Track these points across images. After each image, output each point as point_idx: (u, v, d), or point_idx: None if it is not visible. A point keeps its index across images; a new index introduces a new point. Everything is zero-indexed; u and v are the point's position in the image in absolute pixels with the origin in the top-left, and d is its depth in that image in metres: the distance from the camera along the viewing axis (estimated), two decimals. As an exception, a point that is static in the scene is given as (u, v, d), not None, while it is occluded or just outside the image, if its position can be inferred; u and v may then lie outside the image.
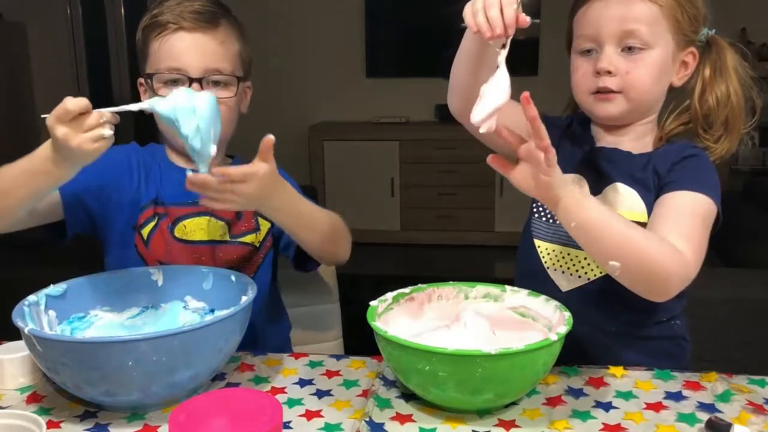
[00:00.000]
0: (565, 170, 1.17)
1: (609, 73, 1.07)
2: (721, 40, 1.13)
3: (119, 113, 0.93)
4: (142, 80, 1.24)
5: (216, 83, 1.19)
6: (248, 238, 1.25)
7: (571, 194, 0.95)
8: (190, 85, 1.16)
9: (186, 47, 1.17)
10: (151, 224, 1.20)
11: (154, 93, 1.19)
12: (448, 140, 4.28)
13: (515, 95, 0.95)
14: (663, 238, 0.97)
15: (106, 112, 0.91)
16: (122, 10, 4.61)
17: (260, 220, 1.26)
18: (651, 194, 1.09)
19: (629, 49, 1.06)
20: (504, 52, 0.91)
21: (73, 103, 0.89)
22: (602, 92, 1.09)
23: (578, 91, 1.13)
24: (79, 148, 0.89)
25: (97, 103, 0.95)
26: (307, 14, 4.73)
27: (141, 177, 1.23)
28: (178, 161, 1.26)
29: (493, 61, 0.93)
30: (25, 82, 4.39)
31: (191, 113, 0.96)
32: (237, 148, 1.33)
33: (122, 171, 1.22)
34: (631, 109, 1.09)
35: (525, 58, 4.53)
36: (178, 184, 1.22)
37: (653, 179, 1.09)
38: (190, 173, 0.98)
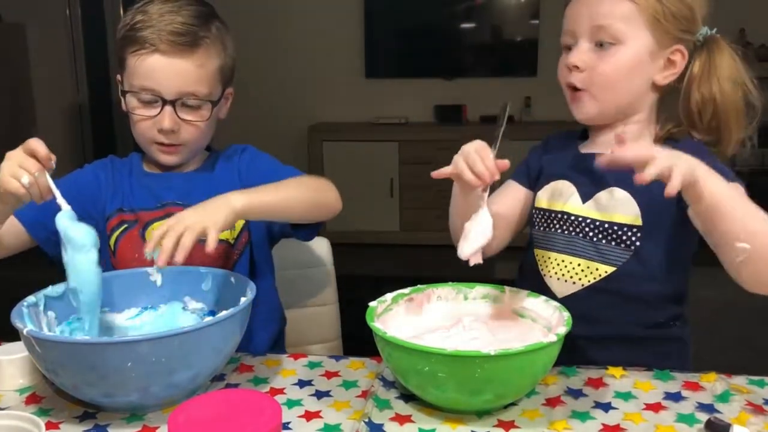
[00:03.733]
0: (551, 178, 1.18)
1: (576, 68, 1.09)
2: (720, 40, 1.11)
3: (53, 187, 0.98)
4: (119, 78, 1.23)
5: (189, 106, 1.18)
6: (224, 235, 1.23)
7: (703, 167, 0.90)
8: (163, 106, 1.16)
9: (161, 70, 1.15)
10: (117, 232, 1.21)
11: (129, 109, 1.20)
12: (448, 141, 4.24)
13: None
14: None
15: (48, 179, 0.97)
16: (122, 11, 4.62)
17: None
18: (649, 195, 1.07)
19: (599, 45, 1.08)
20: (486, 195, 1.02)
21: (39, 145, 0.96)
22: (573, 91, 1.11)
23: (562, 86, 1.15)
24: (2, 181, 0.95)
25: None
26: (306, 14, 4.73)
27: (108, 191, 1.24)
28: (150, 168, 1.27)
29: (473, 202, 1.04)
30: (25, 83, 4.39)
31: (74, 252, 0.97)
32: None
33: (91, 191, 1.24)
34: (603, 107, 1.10)
35: (524, 59, 4.53)
36: (146, 190, 1.24)
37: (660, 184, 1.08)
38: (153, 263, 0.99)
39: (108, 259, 1.22)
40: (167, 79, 1.15)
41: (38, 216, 1.14)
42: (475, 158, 1.00)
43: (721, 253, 0.96)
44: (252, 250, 1.28)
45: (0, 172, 0.95)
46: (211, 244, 0.97)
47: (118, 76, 1.23)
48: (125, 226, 1.22)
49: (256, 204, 1.06)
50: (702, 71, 1.10)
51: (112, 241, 1.22)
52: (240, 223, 1.25)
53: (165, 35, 1.14)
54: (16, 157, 0.96)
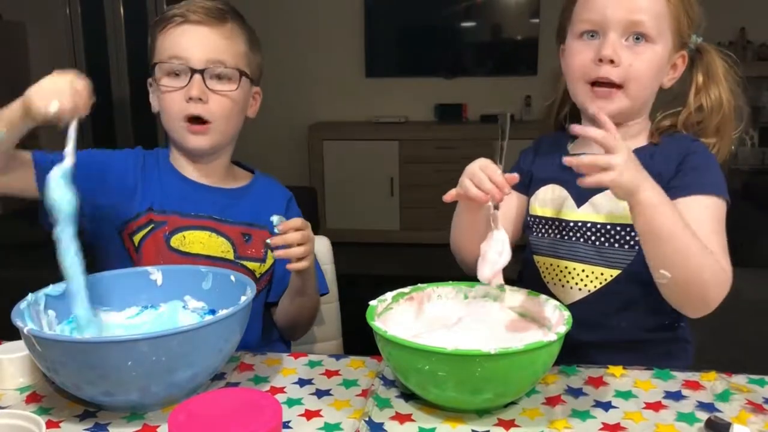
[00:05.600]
0: (542, 183, 1.18)
1: (611, 62, 1.05)
2: (709, 47, 1.13)
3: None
4: (151, 80, 1.24)
5: (219, 76, 1.19)
6: (252, 265, 1.25)
7: (649, 193, 0.92)
8: (192, 75, 1.16)
9: (190, 38, 1.18)
10: (144, 231, 1.20)
11: (157, 86, 1.20)
12: (448, 140, 4.28)
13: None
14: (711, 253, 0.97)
15: (73, 126, 0.98)
16: (122, 10, 4.61)
17: (269, 252, 1.26)
18: None
19: (636, 39, 1.05)
20: (498, 213, 1.00)
21: (84, 89, 0.98)
22: (601, 86, 1.07)
23: (575, 78, 1.10)
24: (34, 94, 0.96)
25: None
26: (307, 14, 4.73)
27: (138, 184, 1.22)
28: (183, 169, 1.26)
29: (482, 220, 1.03)
30: (25, 82, 4.38)
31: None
32: (237, 148, 1.33)
33: (117, 176, 1.21)
34: (630, 106, 1.08)
35: (525, 58, 4.53)
36: (184, 196, 1.23)
37: (656, 177, 1.08)
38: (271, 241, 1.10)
39: (127, 259, 1.20)
40: (195, 45, 1.17)
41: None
42: (482, 177, 0.97)
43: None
44: (269, 291, 1.31)
45: (38, 86, 0.96)
46: (298, 267, 1.14)
47: (149, 79, 1.24)
48: (152, 226, 1.20)
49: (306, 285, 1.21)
50: (704, 79, 1.12)
51: (137, 240, 1.20)
52: (271, 261, 1.27)
53: (195, 8, 1.18)
54: (59, 81, 0.96)
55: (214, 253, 1.22)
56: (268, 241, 1.11)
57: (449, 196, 1.03)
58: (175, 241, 1.20)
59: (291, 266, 1.13)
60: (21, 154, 1.11)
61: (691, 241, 0.94)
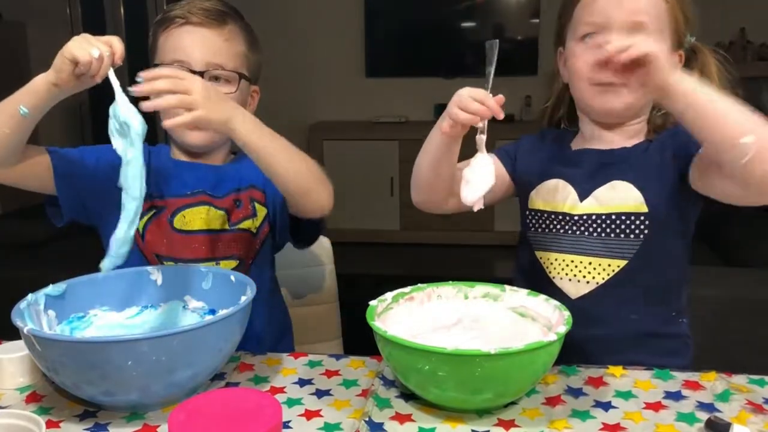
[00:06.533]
0: (543, 177, 1.18)
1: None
2: (703, 47, 1.14)
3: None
4: None
5: (217, 78, 1.21)
6: (246, 224, 1.26)
7: (679, 81, 0.90)
8: None
9: (191, 40, 1.20)
10: (146, 218, 1.22)
11: None
12: (448, 140, 4.27)
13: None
14: None
15: (111, 73, 0.98)
16: (122, 10, 4.61)
17: (257, 206, 1.27)
18: (649, 179, 1.09)
19: None
20: (483, 138, 0.99)
21: (117, 42, 0.98)
22: (600, 84, 1.08)
23: (578, 79, 1.11)
24: (72, 46, 0.95)
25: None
26: (307, 14, 4.73)
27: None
28: (181, 157, 1.29)
29: (451, 159, 1.06)
30: (25, 82, 4.39)
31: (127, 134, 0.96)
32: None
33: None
34: (633, 103, 1.09)
35: (525, 58, 4.53)
36: (177, 178, 1.26)
37: (657, 167, 1.09)
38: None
39: (134, 247, 1.21)
40: (196, 48, 1.19)
41: (71, 168, 1.17)
42: (468, 100, 0.98)
43: (726, 162, 0.91)
44: (274, 247, 1.31)
45: (70, 43, 0.96)
46: (179, 122, 0.99)
47: None
48: (154, 211, 1.23)
49: (252, 140, 1.06)
50: (700, 76, 1.12)
51: (141, 226, 1.22)
52: (262, 213, 1.27)
53: (195, 10, 1.20)
54: (87, 36, 0.97)
55: (214, 226, 1.24)
56: (131, 88, 0.96)
57: (446, 127, 1.02)
58: (178, 222, 1.23)
59: (169, 122, 1.00)
60: (37, 148, 1.13)
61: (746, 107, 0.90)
